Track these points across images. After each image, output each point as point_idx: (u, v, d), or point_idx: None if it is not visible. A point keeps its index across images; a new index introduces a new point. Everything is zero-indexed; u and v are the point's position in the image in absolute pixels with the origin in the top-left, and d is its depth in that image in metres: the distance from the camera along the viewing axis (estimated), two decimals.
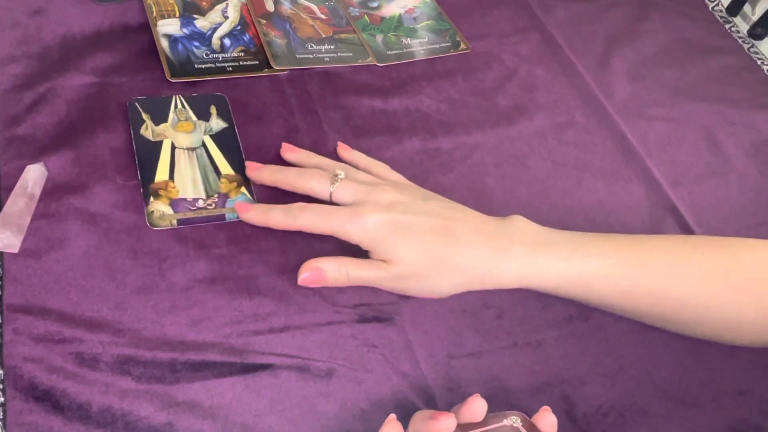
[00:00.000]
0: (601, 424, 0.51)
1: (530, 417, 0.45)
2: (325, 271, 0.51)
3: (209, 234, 0.55)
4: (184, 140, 0.60)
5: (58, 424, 0.44)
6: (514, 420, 0.43)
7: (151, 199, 0.56)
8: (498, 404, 0.50)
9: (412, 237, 0.51)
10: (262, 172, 0.57)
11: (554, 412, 0.49)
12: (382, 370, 0.51)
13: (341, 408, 0.49)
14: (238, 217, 0.56)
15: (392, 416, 0.45)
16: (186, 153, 0.59)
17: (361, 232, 0.52)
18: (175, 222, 0.55)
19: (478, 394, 0.45)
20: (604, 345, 0.55)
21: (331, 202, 0.54)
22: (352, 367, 0.50)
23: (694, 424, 0.52)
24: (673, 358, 0.55)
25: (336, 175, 0.55)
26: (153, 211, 0.55)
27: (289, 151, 0.60)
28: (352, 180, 0.55)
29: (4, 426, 0.44)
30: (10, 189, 0.53)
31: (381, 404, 0.49)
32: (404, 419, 0.46)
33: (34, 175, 0.54)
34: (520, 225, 0.54)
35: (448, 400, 0.50)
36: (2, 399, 0.45)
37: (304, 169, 0.56)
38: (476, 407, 0.44)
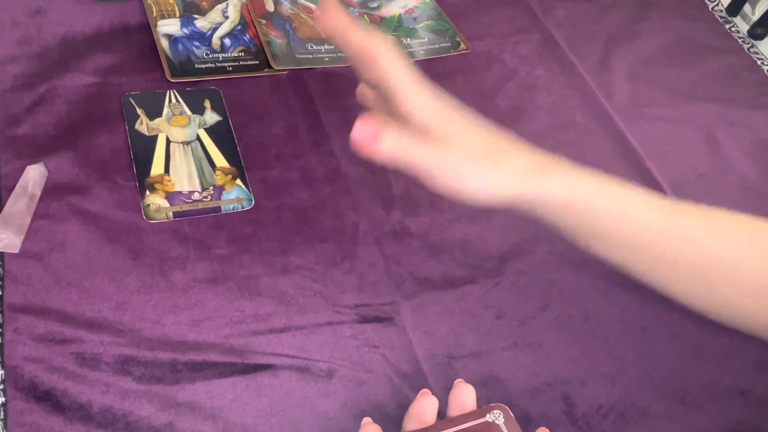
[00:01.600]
0: (602, 424, 0.51)
1: (532, 419, 0.45)
2: (382, 136, 0.45)
3: (210, 234, 0.55)
4: (178, 134, 0.60)
5: (59, 424, 0.44)
6: (496, 416, 0.43)
7: (147, 192, 0.56)
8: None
9: (476, 123, 0.48)
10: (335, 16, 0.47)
11: (554, 412, 0.49)
12: (383, 371, 0.51)
13: (342, 408, 0.49)
14: (233, 209, 0.56)
15: (367, 419, 0.45)
16: (181, 147, 0.59)
17: (425, 96, 0.46)
18: (171, 215, 0.55)
19: (460, 380, 0.46)
20: (604, 345, 0.55)
21: None
22: (352, 367, 0.50)
23: (695, 425, 0.52)
24: (673, 358, 0.55)
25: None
26: (149, 205, 0.55)
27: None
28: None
29: (5, 426, 0.44)
30: (11, 189, 0.53)
31: (381, 404, 0.49)
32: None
33: (34, 176, 0.54)
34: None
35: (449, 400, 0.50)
36: (3, 399, 0.45)
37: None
38: (462, 394, 0.46)
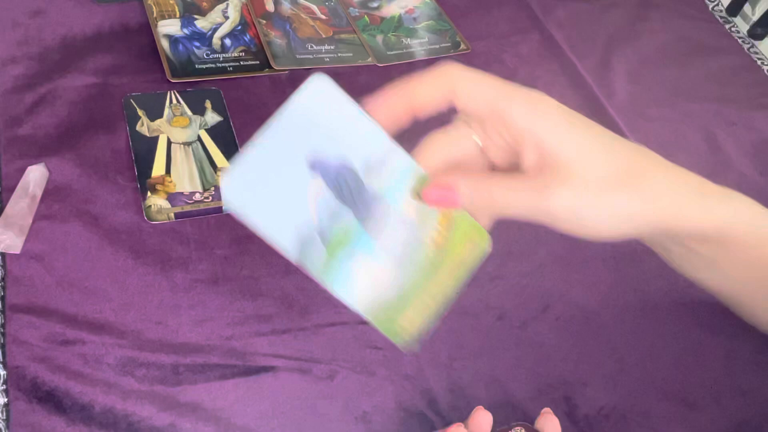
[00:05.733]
0: (603, 425, 0.51)
1: (533, 419, 0.45)
2: (457, 192, 0.38)
3: (211, 234, 0.55)
4: (179, 135, 0.60)
5: (61, 424, 0.44)
6: None
7: (149, 193, 0.56)
8: (500, 405, 0.50)
9: (595, 133, 0.38)
10: None
11: (555, 413, 0.49)
12: (385, 372, 0.51)
13: (343, 410, 0.49)
14: None
15: (479, 407, 0.44)
16: (182, 147, 0.59)
17: (527, 106, 0.38)
18: (172, 216, 0.55)
19: (481, 407, 0.45)
20: (605, 346, 0.55)
21: None
22: (354, 368, 0.50)
23: (696, 426, 0.53)
24: (674, 359, 0.55)
25: None
26: (150, 206, 0.55)
27: None
28: None
29: (8, 426, 0.44)
30: (12, 190, 0.53)
31: (383, 406, 0.49)
32: (405, 421, 0.46)
33: (35, 176, 0.54)
34: None
35: (450, 401, 0.50)
36: (5, 400, 0.45)
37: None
38: (480, 419, 0.45)
